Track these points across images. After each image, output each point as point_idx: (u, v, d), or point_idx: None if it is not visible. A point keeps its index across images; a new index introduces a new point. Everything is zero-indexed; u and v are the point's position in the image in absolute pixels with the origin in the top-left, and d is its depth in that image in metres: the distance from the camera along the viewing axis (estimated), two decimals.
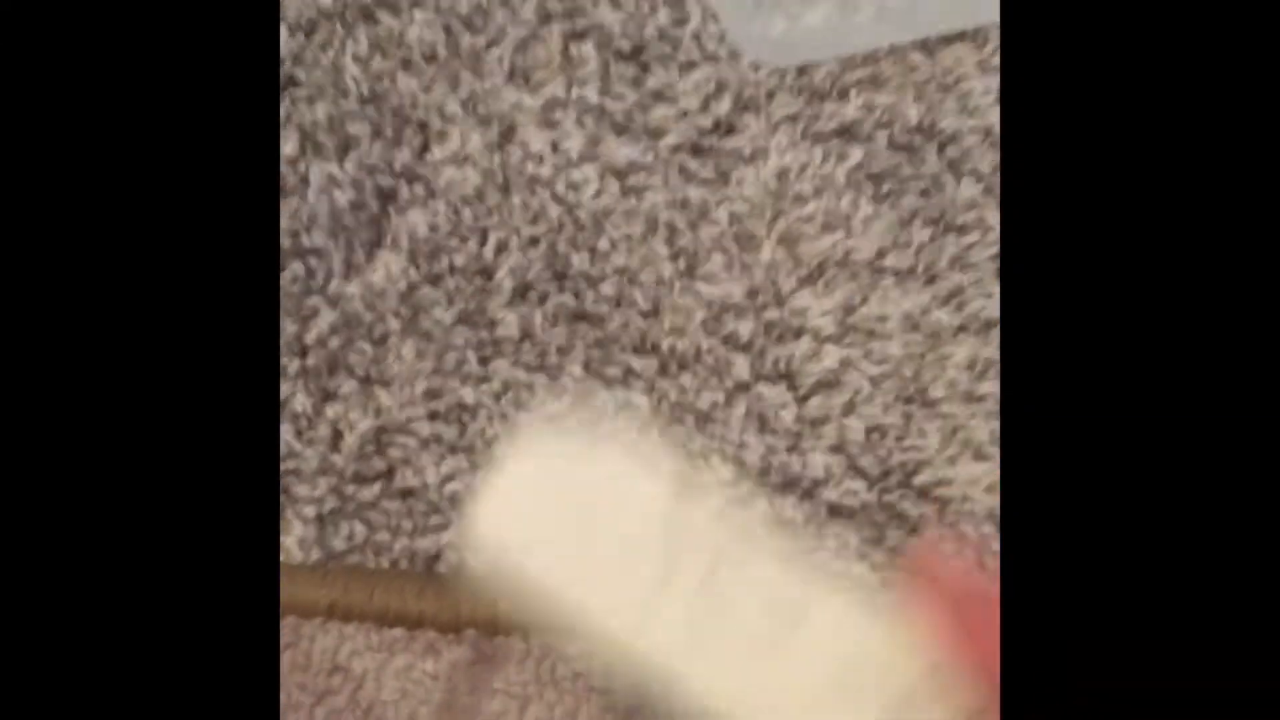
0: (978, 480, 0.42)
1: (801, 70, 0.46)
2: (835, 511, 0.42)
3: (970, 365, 0.43)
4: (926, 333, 0.43)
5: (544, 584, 0.26)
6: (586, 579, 0.26)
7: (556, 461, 0.27)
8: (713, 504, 0.26)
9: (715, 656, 0.25)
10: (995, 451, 0.42)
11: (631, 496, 0.26)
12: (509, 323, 0.43)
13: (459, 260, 0.44)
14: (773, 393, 0.43)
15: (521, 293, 0.44)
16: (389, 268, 0.44)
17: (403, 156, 0.45)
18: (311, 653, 0.40)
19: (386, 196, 0.44)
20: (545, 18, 0.47)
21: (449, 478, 0.42)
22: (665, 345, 0.43)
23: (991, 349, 0.43)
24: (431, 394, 0.42)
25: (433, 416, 0.42)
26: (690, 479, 0.27)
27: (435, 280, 0.44)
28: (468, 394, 0.43)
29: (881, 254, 0.44)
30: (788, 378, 0.43)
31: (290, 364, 0.43)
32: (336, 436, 0.42)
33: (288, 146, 0.44)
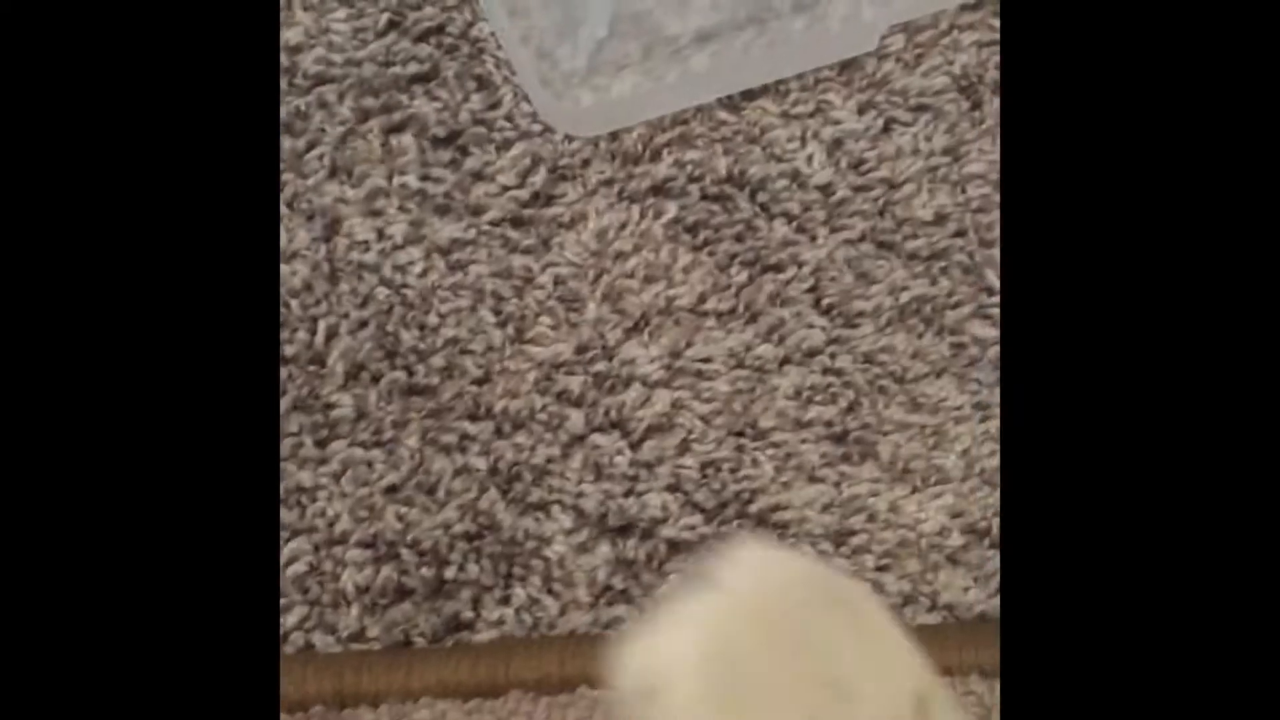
0: (813, 501, 0.42)
1: (614, 136, 0.48)
2: (675, 547, 0.42)
3: (797, 394, 0.44)
4: (752, 368, 0.44)
5: None
6: None
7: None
8: None
9: None
10: (828, 473, 0.43)
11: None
12: (344, 404, 0.44)
13: (290, 350, 0.45)
14: (607, 441, 0.43)
15: (354, 374, 0.44)
16: None
17: None
18: None
19: None
20: (363, 115, 0.48)
21: (292, 560, 0.42)
22: (499, 408, 0.44)
23: (816, 375, 0.44)
24: None
25: None
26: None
27: None
28: (306, 477, 0.43)
29: (703, 298, 0.46)
30: (620, 425, 0.44)
31: None
32: None
33: None
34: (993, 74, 0.49)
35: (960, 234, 0.47)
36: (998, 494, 0.43)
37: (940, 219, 0.47)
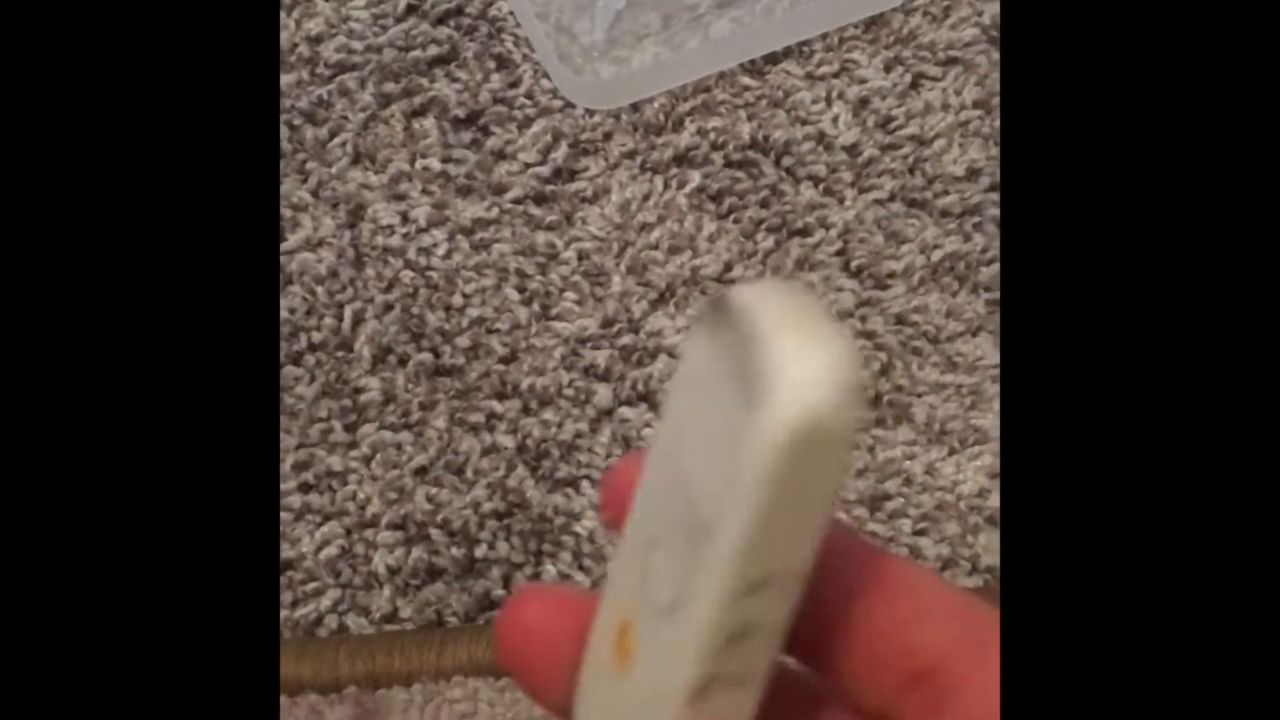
0: (847, 466, 0.41)
1: (635, 108, 0.48)
2: None
3: None
4: None
5: None
6: None
7: None
8: None
9: None
10: (862, 437, 0.42)
11: None
12: (372, 388, 0.44)
13: (318, 337, 0.45)
14: (635, 414, 0.43)
15: (382, 358, 0.44)
16: None
17: None
18: None
19: None
20: (385, 101, 0.48)
21: (324, 544, 0.42)
22: (525, 386, 0.44)
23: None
24: (301, 466, 0.43)
25: (304, 488, 0.43)
26: None
27: (297, 359, 0.44)
28: (336, 461, 0.43)
29: (729, 266, 0.45)
30: (648, 398, 0.43)
31: None
32: None
33: None
34: None
35: (993, 188, 0.45)
36: None
37: (972, 174, 0.46)
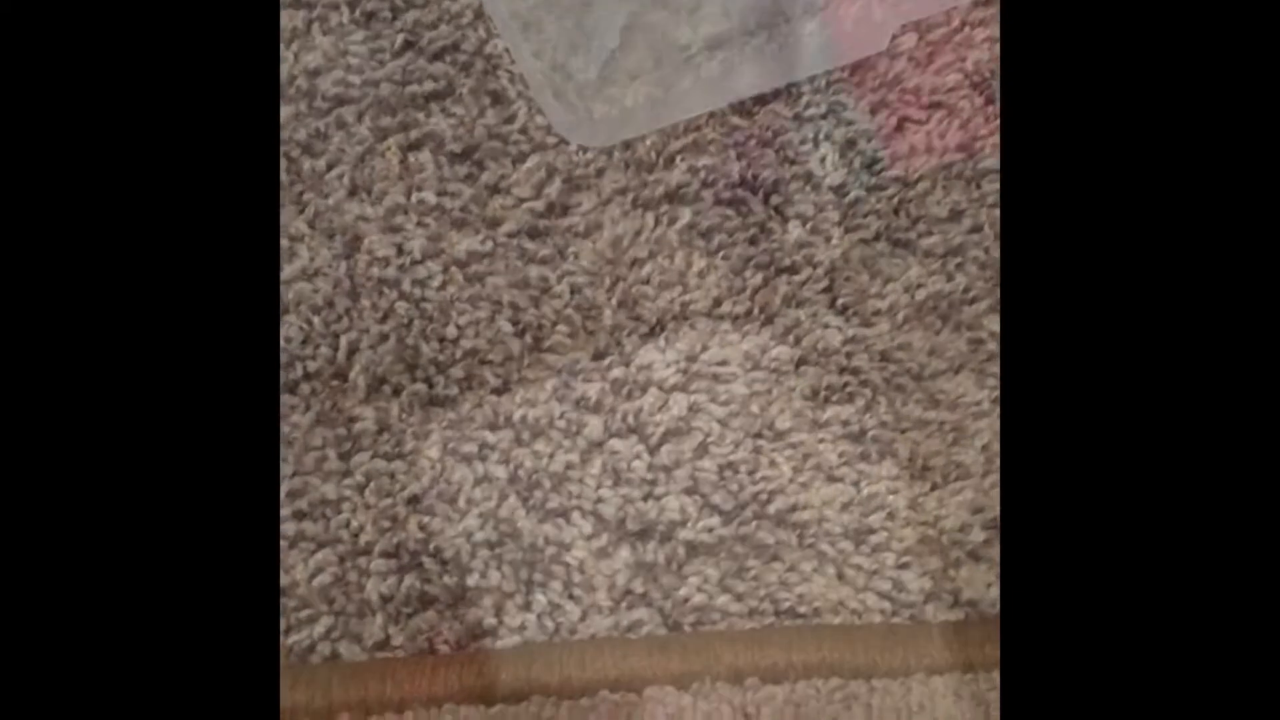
0: (832, 500, 0.42)
1: (627, 145, 0.49)
2: (694, 549, 0.42)
3: (814, 394, 0.44)
4: (768, 369, 0.44)
5: None
6: None
7: None
8: None
9: None
10: (846, 472, 0.43)
11: None
12: (366, 417, 0.45)
13: (313, 366, 0.45)
14: (625, 446, 0.44)
15: (376, 388, 0.45)
16: None
17: None
18: None
19: None
20: (381, 134, 0.49)
21: (317, 571, 0.43)
22: (518, 417, 0.44)
23: (832, 375, 0.44)
24: (294, 494, 0.44)
25: (298, 516, 0.43)
26: None
27: (292, 388, 0.45)
28: (330, 490, 0.44)
29: (718, 302, 0.46)
30: (638, 430, 0.44)
31: None
32: None
33: None
34: None
35: (976, 229, 0.47)
36: None
37: (955, 215, 0.47)
